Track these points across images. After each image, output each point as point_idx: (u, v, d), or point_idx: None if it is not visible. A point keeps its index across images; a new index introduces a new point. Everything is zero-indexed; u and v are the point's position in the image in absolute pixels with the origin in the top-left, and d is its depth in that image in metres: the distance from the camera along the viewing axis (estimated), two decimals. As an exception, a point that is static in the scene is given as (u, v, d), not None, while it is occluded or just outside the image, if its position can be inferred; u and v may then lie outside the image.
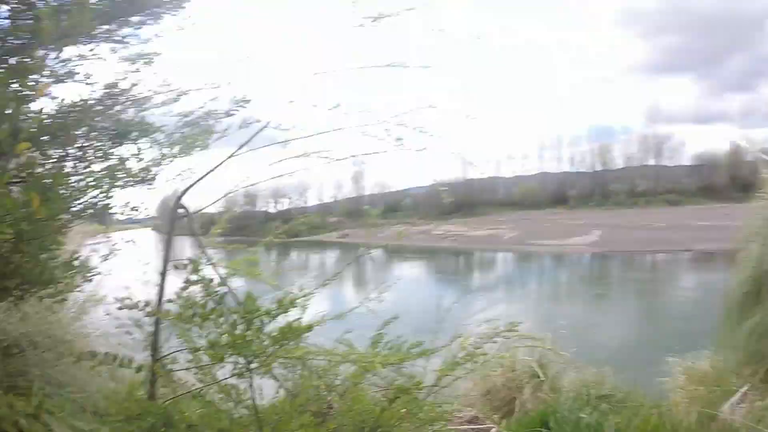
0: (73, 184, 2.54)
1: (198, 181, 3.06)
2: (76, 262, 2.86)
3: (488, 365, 6.09)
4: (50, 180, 2.29)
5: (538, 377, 6.29)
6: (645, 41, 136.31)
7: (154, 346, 2.72)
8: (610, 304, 28.61)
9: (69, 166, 2.86)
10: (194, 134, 2.69)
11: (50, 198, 2.18)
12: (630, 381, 6.73)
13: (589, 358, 7.71)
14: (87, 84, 3.56)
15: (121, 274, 4.05)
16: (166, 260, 2.90)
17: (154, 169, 3.13)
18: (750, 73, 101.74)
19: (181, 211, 2.89)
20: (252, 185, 3.15)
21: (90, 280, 2.88)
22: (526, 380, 6.29)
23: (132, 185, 3.07)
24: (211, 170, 2.97)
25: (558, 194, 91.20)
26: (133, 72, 3.53)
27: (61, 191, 2.40)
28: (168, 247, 2.90)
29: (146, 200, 3.23)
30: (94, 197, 2.71)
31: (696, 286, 31.43)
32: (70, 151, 3.08)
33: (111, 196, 2.83)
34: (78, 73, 3.55)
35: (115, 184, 2.80)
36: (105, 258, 3.06)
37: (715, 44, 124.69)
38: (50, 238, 2.44)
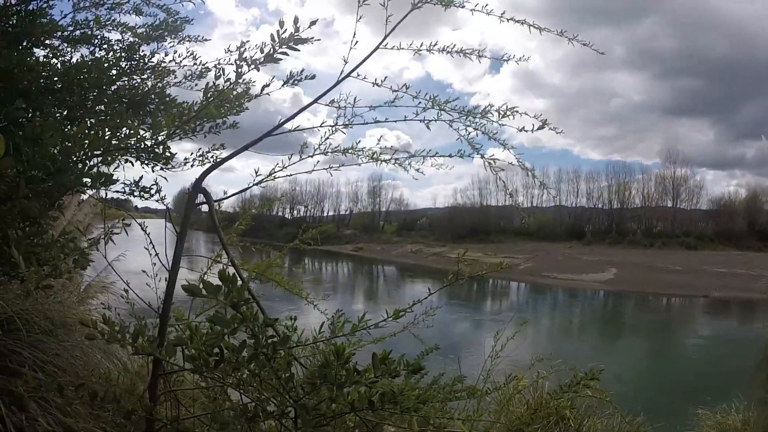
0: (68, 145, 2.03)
1: (221, 162, 2.63)
2: (70, 244, 2.40)
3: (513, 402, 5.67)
4: (38, 128, 1.82)
5: (566, 419, 5.75)
6: (661, 82, 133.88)
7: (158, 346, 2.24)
8: (628, 346, 27.98)
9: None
10: (222, 98, 2.22)
11: (28, 153, 1.72)
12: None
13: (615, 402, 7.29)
14: (102, 48, 3.27)
15: (134, 261, 3.81)
16: (178, 253, 2.46)
17: (173, 148, 2.72)
18: (765, 120, 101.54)
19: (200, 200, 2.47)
20: (266, 184, 2.73)
21: (83, 266, 2.42)
22: (554, 422, 5.75)
23: (145, 161, 2.65)
24: (235, 153, 2.54)
25: (574, 228, 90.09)
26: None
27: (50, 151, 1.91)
28: (182, 237, 2.45)
29: (163, 187, 2.79)
30: (95, 165, 2.24)
31: (714, 334, 30.70)
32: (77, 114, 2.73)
33: (116, 165, 2.37)
34: (96, 37, 3.27)
35: (123, 153, 2.33)
36: (96, 242, 2.60)
37: (731, 90, 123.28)
38: (29, 206, 1.91)
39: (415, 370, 1.97)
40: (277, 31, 2.04)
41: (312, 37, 2.07)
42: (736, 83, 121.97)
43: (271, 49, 2.08)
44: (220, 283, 1.63)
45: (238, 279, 1.69)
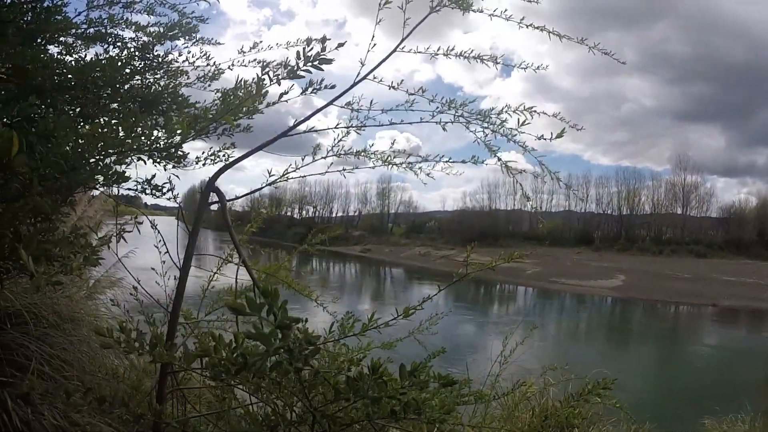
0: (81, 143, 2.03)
1: (234, 162, 2.64)
2: (80, 240, 2.40)
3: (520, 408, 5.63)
4: (51, 125, 1.82)
5: (572, 428, 5.67)
6: (673, 87, 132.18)
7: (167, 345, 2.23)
8: (635, 353, 27.85)
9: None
10: (238, 100, 2.21)
11: (42, 151, 1.72)
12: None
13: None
14: (116, 47, 3.30)
15: (143, 258, 3.84)
16: (189, 252, 2.46)
17: (185, 147, 2.72)
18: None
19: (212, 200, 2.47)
20: (278, 185, 2.73)
21: (93, 264, 2.41)
22: (559, 429, 5.67)
23: (158, 160, 2.66)
24: (249, 153, 2.54)
25: (583, 234, 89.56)
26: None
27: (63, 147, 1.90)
28: (194, 236, 2.46)
29: (175, 185, 2.79)
30: (109, 163, 2.23)
31: (721, 342, 30.49)
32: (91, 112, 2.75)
33: (127, 162, 2.36)
34: (110, 35, 3.29)
35: (137, 152, 2.33)
36: (108, 240, 2.62)
37: (743, 95, 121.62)
38: (42, 204, 1.91)
39: (446, 383, 1.93)
40: (303, 49, 2.05)
41: (332, 38, 2.09)
42: (748, 89, 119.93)
43: (296, 66, 2.09)
44: (234, 291, 1.60)
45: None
